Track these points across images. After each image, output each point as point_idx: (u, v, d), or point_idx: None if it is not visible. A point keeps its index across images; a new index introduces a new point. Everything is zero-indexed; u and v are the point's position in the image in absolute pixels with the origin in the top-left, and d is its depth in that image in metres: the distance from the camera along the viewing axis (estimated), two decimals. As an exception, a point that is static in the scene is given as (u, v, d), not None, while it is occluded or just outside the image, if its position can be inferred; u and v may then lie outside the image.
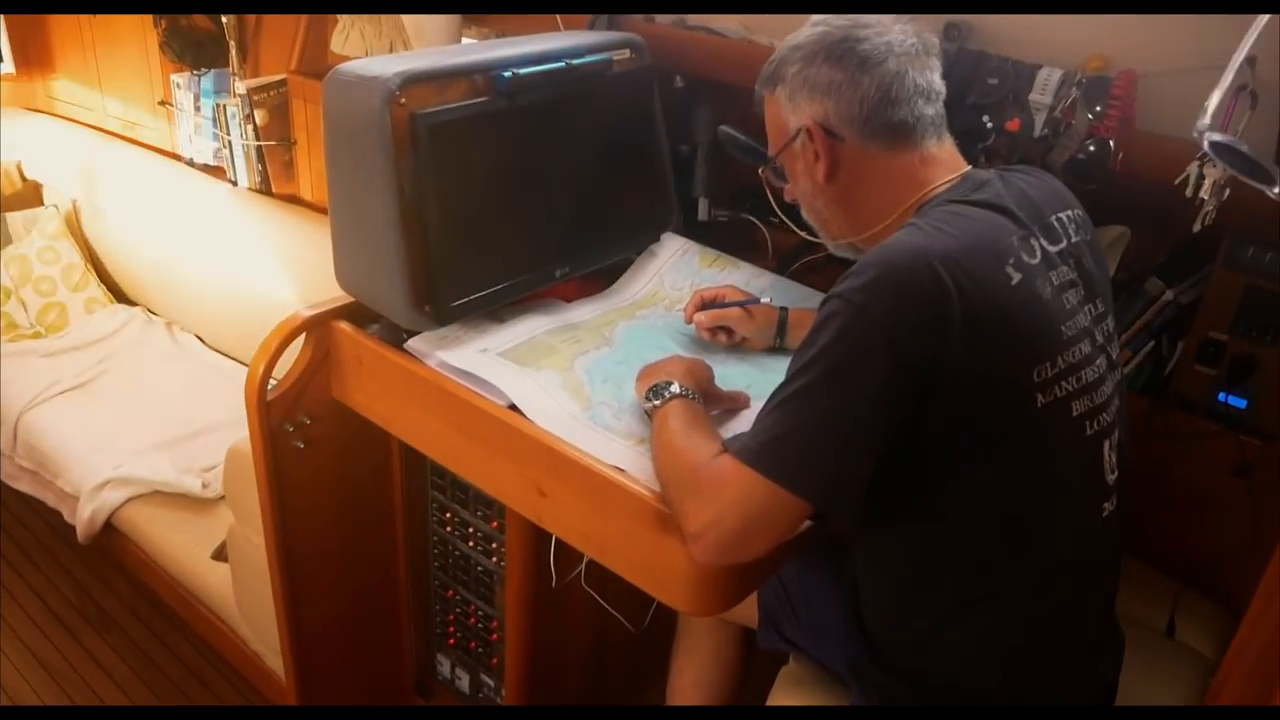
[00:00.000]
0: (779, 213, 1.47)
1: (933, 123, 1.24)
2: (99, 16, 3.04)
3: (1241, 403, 1.57)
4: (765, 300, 1.57)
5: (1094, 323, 1.21)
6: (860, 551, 1.32)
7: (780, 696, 1.54)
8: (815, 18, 1.27)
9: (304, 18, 2.70)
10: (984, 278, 1.08)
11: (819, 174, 1.26)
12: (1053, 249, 1.18)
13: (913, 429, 1.09)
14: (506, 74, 1.46)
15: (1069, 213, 1.25)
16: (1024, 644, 1.23)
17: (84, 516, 2.32)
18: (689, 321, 1.58)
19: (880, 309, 1.05)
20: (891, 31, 1.22)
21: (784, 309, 1.57)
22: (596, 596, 1.78)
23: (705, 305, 1.58)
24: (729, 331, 1.57)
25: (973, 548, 1.18)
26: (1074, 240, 1.23)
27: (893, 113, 1.21)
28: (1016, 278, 1.11)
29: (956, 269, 1.06)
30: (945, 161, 1.25)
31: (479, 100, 1.46)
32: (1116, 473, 1.23)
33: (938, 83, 1.25)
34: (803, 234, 1.42)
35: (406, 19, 2.03)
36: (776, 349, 1.56)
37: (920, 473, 1.14)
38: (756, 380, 1.46)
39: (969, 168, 1.26)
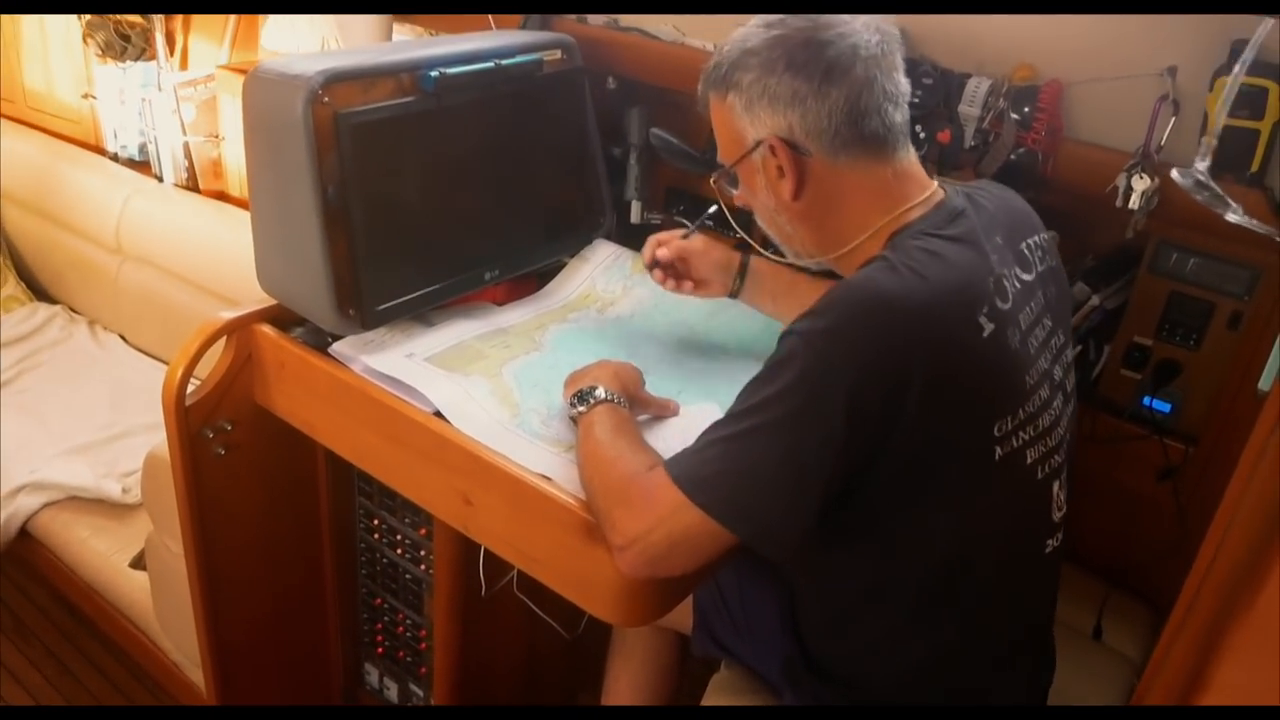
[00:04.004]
0: (732, 224, 1.36)
1: (902, 130, 1.16)
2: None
3: (1166, 407, 1.59)
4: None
5: (1054, 358, 1.18)
6: (803, 568, 1.31)
7: (712, 703, 1.53)
8: (764, 18, 1.16)
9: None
10: (955, 331, 1.04)
11: (784, 191, 1.16)
12: (1026, 278, 1.16)
13: (864, 474, 1.06)
14: (433, 74, 1.43)
15: (1037, 238, 1.22)
16: (960, 665, 1.24)
17: (-3, 523, 2.24)
18: (649, 264, 1.50)
19: (843, 360, 1.00)
20: (855, 31, 1.12)
21: (747, 253, 1.49)
22: (529, 602, 1.76)
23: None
24: (687, 278, 1.49)
25: (915, 579, 1.17)
26: (1040, 270, 1.19)
27: (864, 124, 1.12)
28: (988, 329, 1.06)
29: (928, 324, 1.02)
30: (916, 176, 1.18)
31: (405, 100, 1.42)
32: (1064, 509, 1.23)
33: (904, 84, 1.16)
34: (767, 255, 1.36)
35: (334, 16, 1.99)
36: (734, 293, 1.50)
37: (869, 511, 1.11)
38: (687, 387, 1.44)
39: (936, 186, 1.19)
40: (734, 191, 1.26)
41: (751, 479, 1.04)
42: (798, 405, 1.02)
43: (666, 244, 1.49)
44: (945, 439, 1.06)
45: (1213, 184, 1.25)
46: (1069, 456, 1.23)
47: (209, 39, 2.75)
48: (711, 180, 1.28)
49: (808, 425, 1.02)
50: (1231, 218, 1.22)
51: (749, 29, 1.16)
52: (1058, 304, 1.21)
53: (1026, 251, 1.19)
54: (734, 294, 1.50)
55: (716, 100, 1.20)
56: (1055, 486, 1.20)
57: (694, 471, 1.07)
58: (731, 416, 1.08)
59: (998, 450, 1.09)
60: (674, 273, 1.50)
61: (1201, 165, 1.27)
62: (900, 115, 1.15)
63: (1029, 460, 1.14)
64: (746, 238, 1.38)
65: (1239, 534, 0.74)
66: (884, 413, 1.02)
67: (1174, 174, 1.27)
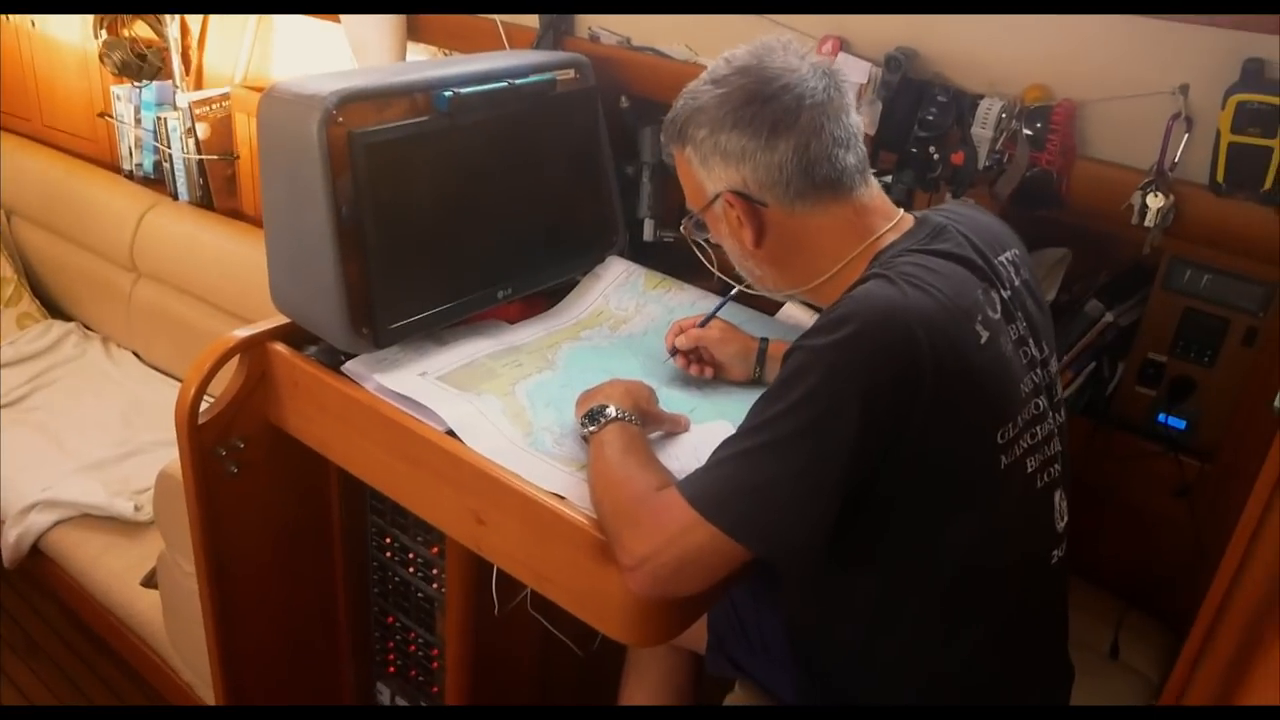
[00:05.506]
0: (704, 262, 1.40)
1: (857, 169, 1.18)
2: (38, 25, 2.97)
3: (1181, 424, 1.58)
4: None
5: (1040, 368, 1.19)
6: (812, 591, 1.30)
7: (724, 723, 1.52)
8: (712, 73, 1.18)
9: (251, 29, 2.66)
10: (957, 339, 1.06)
11: (746, 240, 1.20)
12: (1005, 293, 1.16)
13: (873, 486, 1.07)
14: (447, 94, 1.43)
15: (1010, 253, 1.23)
16: (975, 685, 1.23)
17: (9, 540, 2.25)
18: (671, 348, 1.51)
19: (853, 372, 1.01)
20: (801, 80, 1.14)
21: (764, 339, 1.51)
22: (542, 620, 1.75)
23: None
24: (709, 363, 1.51)
25: (927, 595, 1.17)
26: (1016, 284, 1.20)
27: (815, 171, 1.14)
28: (985, 336, 1.09)
29: (934, 332, 1.03)
30: (880, 208, 1.20)
31: (419, 119, 1.43)
32: (1065, 519, 1.23)
33: (854, 123, 1.17)
34: (741, 286, 1.36)
35: (349, 36, 2.00)
36: (756, 380, 1.50)
37: (877, 525, 1.12)
38: (700, 404, 1.44)
39: (904, 214, 1.22)
40: (704, 236, 1.30)
41: (766, 494, 1.04)
42: (810, 419, 1.03)
43: (685, 333, 1.50)
44: (953, 447, 1.08)
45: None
46: (1066, 469, 1.24)
47: (223, 58, 2.77)
48: (681, 226, 1.32)
49: (820, 438, 1.03)
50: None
51: (699, 85, 1.19)
52: (1039, 318, 1.23)
53: (1001, 267, 1.19)
54: (757, 380, 1.50)
55: (676, 152, 1.24)
56: (1057, 496, 1.21)
57: (707, 489, 1.07)
58: (743, 433, 1.08)
59: (1002, 459, 1.11)
60: (696, 358, 1.51)
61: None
62: (853, 156, 1.17)
63: (1029, 469, 1.15)
64: (725, 278, 1.39)
65: (1262, 553, 0.74)
66: (895, 422, 1.03)
67: None
